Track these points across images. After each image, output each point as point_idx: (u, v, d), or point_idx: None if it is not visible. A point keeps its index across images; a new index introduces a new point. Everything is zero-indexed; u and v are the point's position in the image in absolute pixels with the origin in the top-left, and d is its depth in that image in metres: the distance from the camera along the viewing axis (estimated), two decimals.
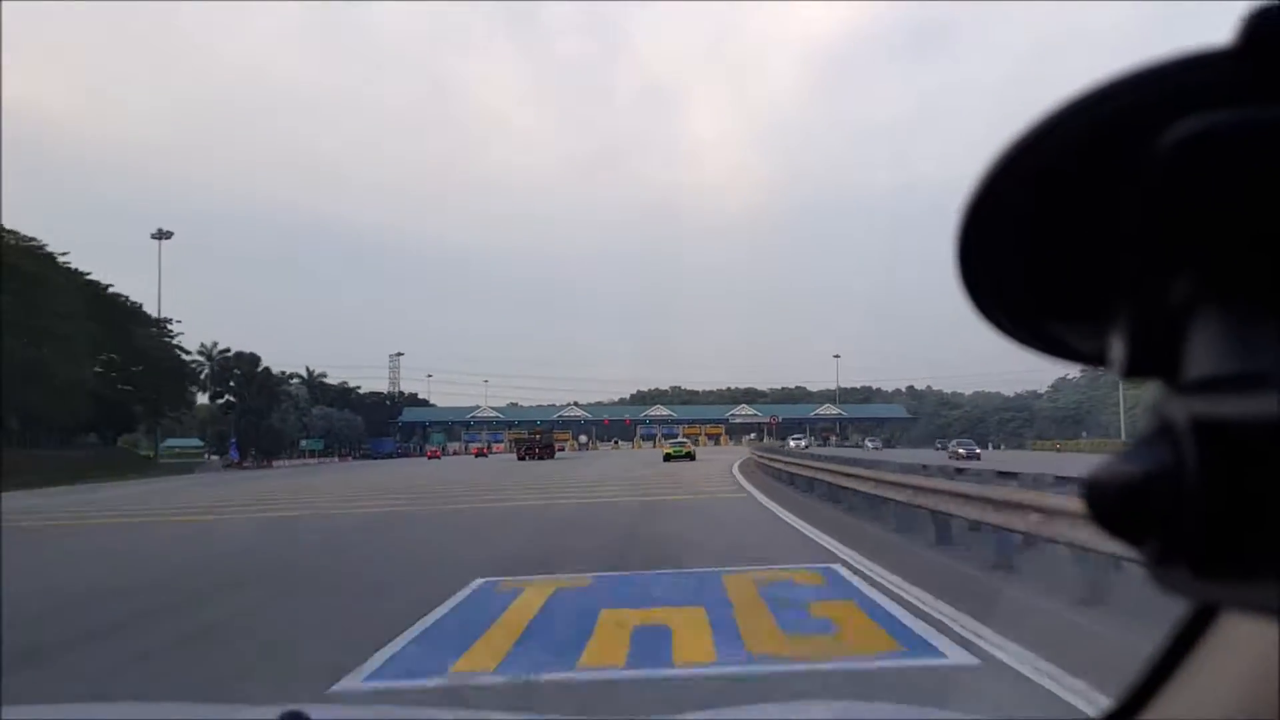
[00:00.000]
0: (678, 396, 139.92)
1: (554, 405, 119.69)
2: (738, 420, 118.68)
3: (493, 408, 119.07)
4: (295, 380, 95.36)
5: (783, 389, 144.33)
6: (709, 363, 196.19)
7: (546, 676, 4.92)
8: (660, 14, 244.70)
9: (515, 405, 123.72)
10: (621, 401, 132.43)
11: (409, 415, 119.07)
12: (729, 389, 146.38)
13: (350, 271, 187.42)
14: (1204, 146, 0.36)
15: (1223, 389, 0.36)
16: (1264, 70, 0.35)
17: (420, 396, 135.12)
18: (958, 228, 0.43)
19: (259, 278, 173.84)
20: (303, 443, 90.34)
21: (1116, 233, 0.39)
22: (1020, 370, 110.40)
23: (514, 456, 59.76)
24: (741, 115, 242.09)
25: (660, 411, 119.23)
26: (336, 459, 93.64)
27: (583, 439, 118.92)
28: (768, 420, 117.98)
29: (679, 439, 52.36)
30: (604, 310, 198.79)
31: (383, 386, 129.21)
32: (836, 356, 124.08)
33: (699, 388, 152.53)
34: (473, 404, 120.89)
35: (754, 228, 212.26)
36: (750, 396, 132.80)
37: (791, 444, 61.12)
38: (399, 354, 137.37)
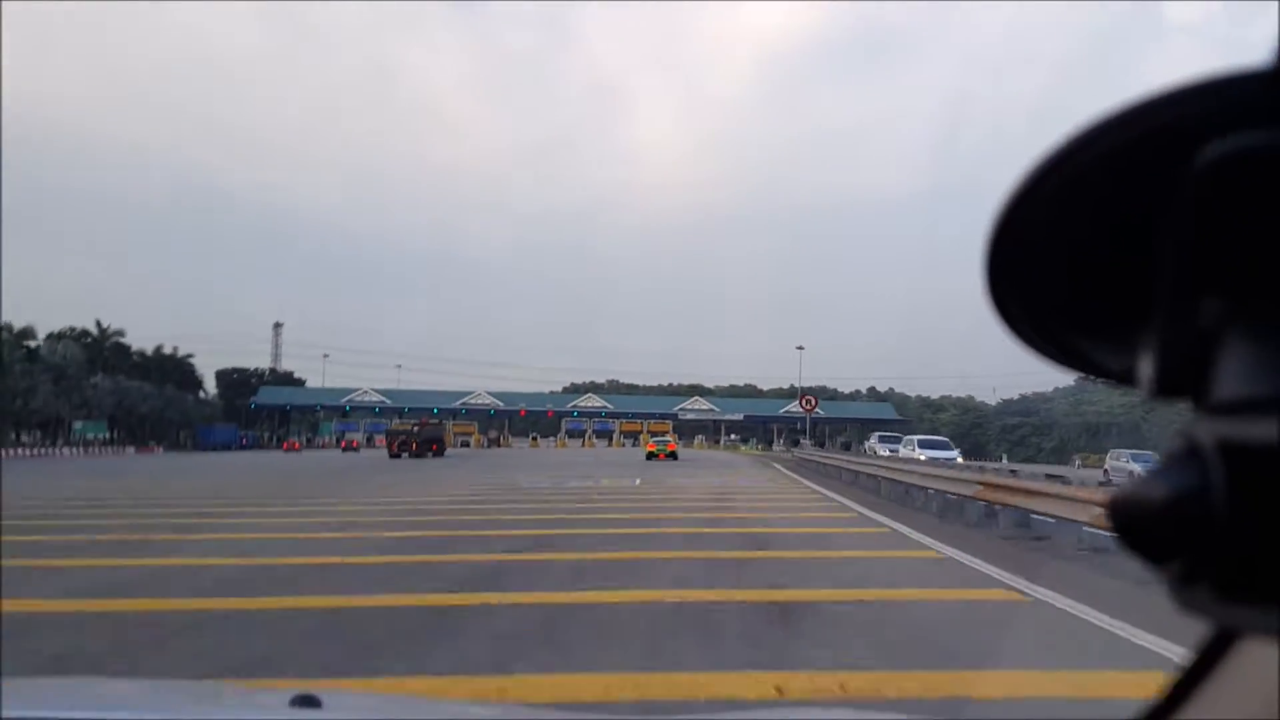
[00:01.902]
0: (615, 390, 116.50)
1: (460, 391, 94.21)
2: (689, 416, 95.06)
3: (377, 390, 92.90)
4: (85, 339, 67.83)
5: (730, 386, 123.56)
6: (649, 355, 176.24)
7: None
8: (592, 13, 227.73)
9: (439, 391, 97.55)
10: (551, 394, 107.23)
11: (267, 396, 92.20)
12: (671, 384, 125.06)
13: (256, 249, 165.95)
14: (1239, 167, 0.35)
15: (1252, 412, 0.36)
16: None
17: (297, 375, 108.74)
18: (987, 239, 0.43)
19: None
20: (76, 425, 63.21)
21: (1149, 251, 0.39)
22: (991, 374, 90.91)
23: (429, 454, 46.16)
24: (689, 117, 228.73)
25: (592, 402, 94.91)
26: (134, 449, 66.99)
27: (494, 434, 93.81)
28: (732, 417, 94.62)
29: (664, 436, 46.19)
30: (538, 303, 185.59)
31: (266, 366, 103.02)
32: (800, 348, 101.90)
33: (638, 381, 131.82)
34: (354, 385, 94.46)
35: (701, 226, 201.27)
36: (695, 394, 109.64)
37: (887, 450, 33.94)
38: (279, 324, 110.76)
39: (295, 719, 1.30)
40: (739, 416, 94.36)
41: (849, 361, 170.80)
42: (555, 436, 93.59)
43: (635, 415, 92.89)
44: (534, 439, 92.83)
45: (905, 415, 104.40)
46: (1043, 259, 0.43)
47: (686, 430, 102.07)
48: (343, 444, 76.74)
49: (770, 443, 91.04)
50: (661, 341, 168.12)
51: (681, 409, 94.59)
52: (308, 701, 1.32)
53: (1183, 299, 0.38)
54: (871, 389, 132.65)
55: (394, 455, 44.77)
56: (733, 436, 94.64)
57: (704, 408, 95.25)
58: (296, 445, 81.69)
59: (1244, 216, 0.36)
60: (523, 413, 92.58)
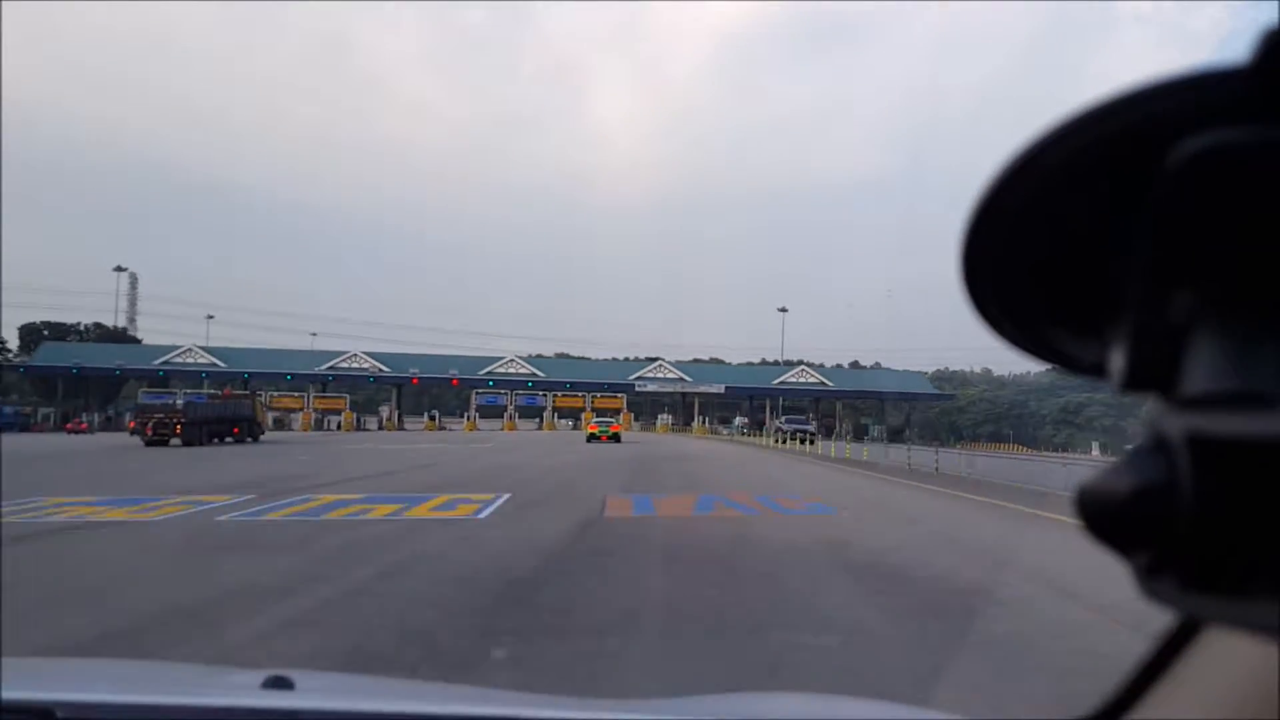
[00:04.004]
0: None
1: (331, 352, 67.42)
2: (649, 388, 69.37)
3: (206, 349, 65.77)
4: None
5: (694, 360, 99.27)
6: (604, 324, 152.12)
7: None
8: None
9: (300, 350, 69.75)
10: (460, 357, 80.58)
11: (49, 356, 64.44)
12: (626, 359, 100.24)
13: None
14: (1214, 163, 0.35)
15: (1220, 406, 0.36)
16: (1277, 89, 0.35)
17: (131, 334, 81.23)
18: (963, 232, 0.43)
19: None
20: None
21: (1123, 245, 0.39)
22: (984, 347, 68.30)
23: (229, 439, 35.20)
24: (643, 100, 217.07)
25: (516, 368, 68.61)
26: None
27: (385, 411, 67.43)
28: (708, 389, 68.83)
29: (605, 418, 44.76)
30: (498, 283, 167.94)
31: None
32: (783, 310, 77.51)
33: (590, 354, 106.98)
34: (191, 343, 67.08)
35: (666, 205, 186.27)
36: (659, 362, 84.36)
37: None
38: (122, 269, 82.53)
39: (268, 702, 1.30)
40: (718, 389, 68.89)
41: (823, 336, 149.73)
42: (465, 413, 67.50)
43: (576, 387, 67.01)
44: (431, 419, 66.63)
45: (942, 390, 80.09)
46: (1018, 253, 0.43)
47: (646, 408, 76.44)
48: (132, 423, 50.42)
49: (761, 425, 65.91)
50: (620, 313, 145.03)
51: (639, 378, 68.86)
52: (280, 683, 1.33)
53: (1155, 294, 0.38)
54: (854, 363, 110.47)
55: (151, 442, 31.85)
56: (738, 420, 68.87)
57: (669, 376, 69.59)
58: (84, 425, 55.84)
59: (1217, 213, 0.36)
60: (415, 381, 66.11)
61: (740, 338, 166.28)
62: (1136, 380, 0.39)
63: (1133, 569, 0.39)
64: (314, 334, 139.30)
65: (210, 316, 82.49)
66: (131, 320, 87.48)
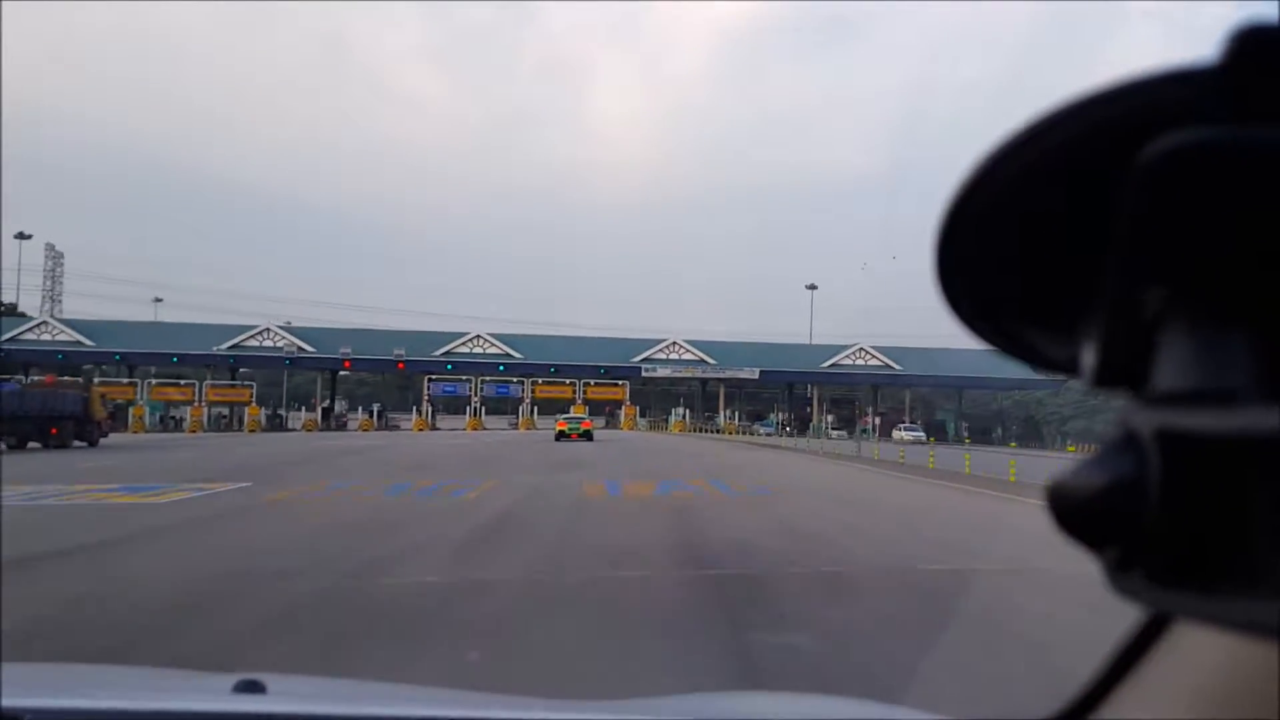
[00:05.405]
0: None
1: (240, 327, 51.12)
2: (660, 371, 53.05)
3: (68, 323, 49.63)
4: None
5: (705, 343, 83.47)
6: (598, 306, 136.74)
7: None
8: None
9: (198, 325, 52.86)
10: (409, 333, 63.78)
11: None
12: (629, 339, 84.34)
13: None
14: (1185, 162, 0.35)
15: (1189, 403, 0.36)
16: (1248, 88, 0.35)
17: (24, 312, 65.50)
18: (937, 230, 0.43)
19: None
20: None
21: (1094, 243, 0.39)
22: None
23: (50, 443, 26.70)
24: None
25: (485, 347, 52.15)
26: None
27: (335, 408, 51.50)
28: (738, 374, 52.41)
29: (581, 415, 41.03)
30: (491, 277, 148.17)
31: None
32: (812, 287, 61.46)
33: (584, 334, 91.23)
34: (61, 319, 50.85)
35: (665, 203, 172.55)
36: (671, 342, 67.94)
37: None
38: (24, 235, 66.12)
39: (240, 706, 1.31)
40: (750, 373, 52.50)
41: (846, 325, 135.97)
42: (417, 407, 51.33)
43: (561, 371, 50.77)
44: (369, 417, 50.38)
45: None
46: (991, 250, 0.43)
47: (654, 400, 60.11)
48: None
49: (806, 424, 49.81)
50: (619, 296, 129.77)
51: (646, 360, 52.52)
52: (252, 686, 1.34)
53: (1126, 291, 0.38)
54: (891, 346, 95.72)
55: None
56: (776, 417, 52.61)
57: (686, 358, 53.23)
58: None
59: (1188, 211, 0.36)
60: (347, 365, 49.80)
61: (745, 327, 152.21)
62: (1108, 377, 0.40)
63: (1102, 564, 0.39)
64: (289, 322, 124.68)
65: (158, 299, 67.40)
66: (55, 300, 72.53)
